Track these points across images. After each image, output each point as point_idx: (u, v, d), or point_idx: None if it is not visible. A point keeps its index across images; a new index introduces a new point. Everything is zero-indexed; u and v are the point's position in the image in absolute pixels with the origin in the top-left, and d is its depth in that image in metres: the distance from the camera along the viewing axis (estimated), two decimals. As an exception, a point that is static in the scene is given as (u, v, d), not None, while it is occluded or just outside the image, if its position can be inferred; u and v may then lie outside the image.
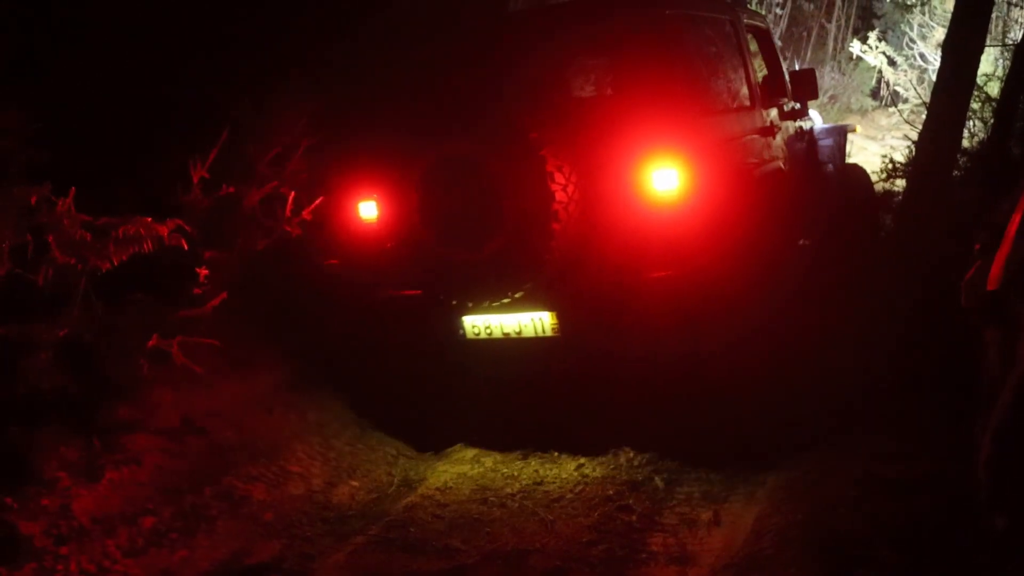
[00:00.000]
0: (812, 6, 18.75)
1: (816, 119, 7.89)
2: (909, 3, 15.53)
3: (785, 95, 6.87)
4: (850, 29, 19.22)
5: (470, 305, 5.26)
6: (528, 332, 5.24)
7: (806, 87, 6.95)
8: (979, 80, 8.98)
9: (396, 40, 7.43)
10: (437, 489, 4.89)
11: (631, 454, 5.05)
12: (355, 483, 5.16)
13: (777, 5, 17.58)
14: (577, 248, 4.99)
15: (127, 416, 5.03)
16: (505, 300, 5.10)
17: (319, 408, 5.79)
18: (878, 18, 18.14)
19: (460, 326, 5.39)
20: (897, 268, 6.39)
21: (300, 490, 5.04)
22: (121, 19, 5.67)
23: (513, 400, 5.54)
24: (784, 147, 6.60)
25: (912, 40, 16.06)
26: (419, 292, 5.44)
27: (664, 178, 4.90)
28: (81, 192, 4.78)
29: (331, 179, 6.18)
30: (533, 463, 5.14)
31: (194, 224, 5.58)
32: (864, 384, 5.13)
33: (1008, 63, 9.38)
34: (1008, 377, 2.71)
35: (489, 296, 5.12)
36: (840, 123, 9.09)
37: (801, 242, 6.40)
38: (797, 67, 13.69)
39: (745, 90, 6.21)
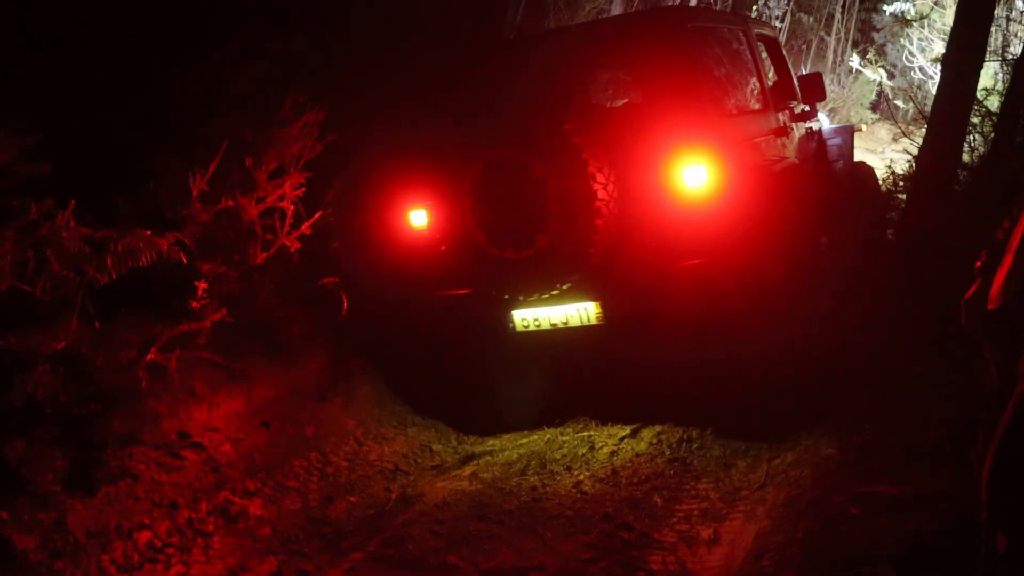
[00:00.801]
0: (811, 19, 18.79)
1: (824, 120, 8.35)
2: (908, 18, 15.56)
3: (795, 98, 7.24)
4: (849, 42, 19.27)
5: (521, 299, 5.64)
6: (574, 322, 5.66)
7: (814, 90, 7.31)
8: (979, 94, 8.98)
9: (399, 53, 7.49)
10: (435, 505, 4.86)
11: (630, 471, 5.04)
12: (353, 499, 5.13)
13: (777, 18, 17.62)
14: (617, 242, 5.40)
15: (124, 430, 5.01)
16: (554, 292, 5.52)
17: (317, 423, 5.78)
18: (877, 31, 18.19)
19: (510, 320, 5.81)
20: (898, 283, 6.38)
21: (297, 505, 5.03)
22: (118, 31, 5.66)
23: (549, 386, 6.03)
24: (796, 146, 7.03)
25: (912, 53, 16.10)
26: (468, 292, 5.81)
27: (695, 174, 5.33)
28: (80, 205, 4.78)
29: (378, 192, 6.50)
30: (532, 479, 5.11)
31: (193, 237, 5.57)
32: (865, 399, 5.12)
33: (1008, 77, 9.37)
34: (1009, 396, 2.69)
35: (539, 290, 5.53)
36: (846, 124, 9.66)
37: (818, 238, 6.78)
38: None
39: (759, 94, 6.67)
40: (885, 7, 17.55)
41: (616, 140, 5.48)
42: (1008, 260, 2.76)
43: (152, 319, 5.40)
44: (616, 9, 11.88)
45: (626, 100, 6.41)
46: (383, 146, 6.78)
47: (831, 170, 7.97)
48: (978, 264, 3.10)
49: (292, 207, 6.06)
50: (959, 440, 3.90)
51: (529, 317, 5.77)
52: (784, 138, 6.77)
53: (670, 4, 12.47)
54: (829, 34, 19.26)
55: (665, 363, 5.65)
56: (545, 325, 5.75)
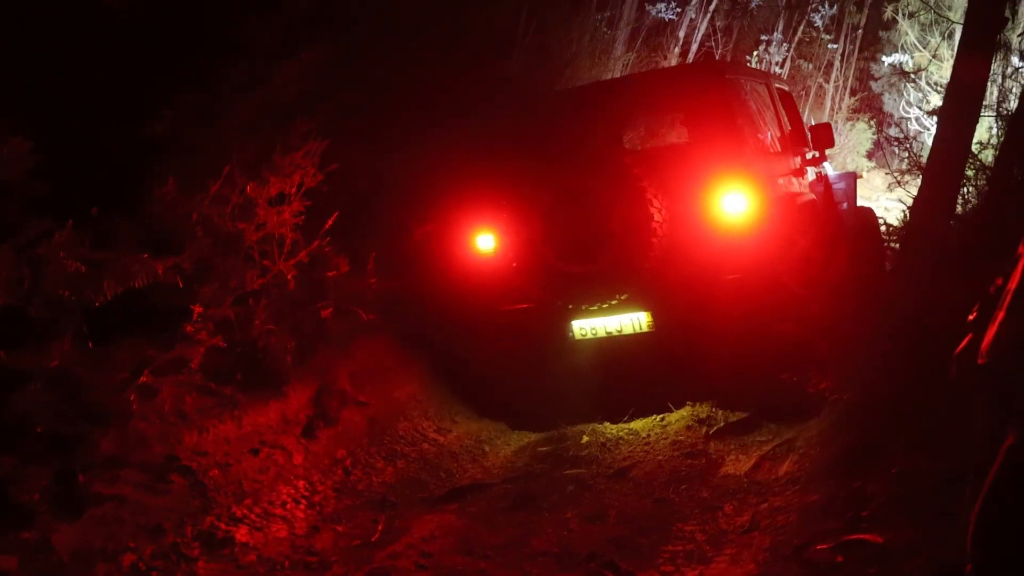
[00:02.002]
0: (811, 66, 18.96)
1: (828, 167, 9.12)
2: (906, 70, 15.73)
3: (807, 145, 8.08)
4: (847, 91, 19.43)
5: (583, 309, 6.45)
6: (628, 330, 6.47)
7: (824, 138, 8.08)
8: (974, 148, 9.06)
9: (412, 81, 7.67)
10: (421, 539, 4.85)
11: (622, 508, 5.04)
12: (339, 528, 5.12)
13: (777, 64, 17.78)
14: (667, 259, 6.24)
15: (113, 451, 4.99)
16: (613, 303, 6.34)
17: (306, 451, 5.77)
18: (876, 80, 18.35)
19: (569, 329, 6.58)
20: (894, 334, 6.41)
21: (284, 533, 5.01)
22: (124, 51, 5.70)
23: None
24: (810, 187, 7.98)
25: (909, 104, 16.24)
26: (529, 306, 6.67)
27: (735, 202, 6.23)
28: (78, 225, 4.79)
29: (447, 220, 7.39)
30: (520, 515, 5.10)
31: (190, 261, 5.59)
32: (854, 444, 5.13)
33: (1003, 132, 9.46)
34: (998, 449, 2.71)
35: (600, 300, 6.36)
36: (849, 171, 10.51)
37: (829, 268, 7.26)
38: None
39: (780, 139, 7.61)
40: (883, 58, 17.74)
41: (668, 172, 6.40)
42: (1000, 316, 2.78)
43: (146, 341, 5.40)
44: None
45: (675, 137, 7.61)
46: (454, 177, 7.61)
47: (836, 208, 8.73)
48: (970, 318, 3.13)
49: (291, 234, 6.09)
50: (947, 491, 3.91)
51: (587, 326, 6.54)
52: (800, 179, 7.70)
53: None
54: (828, 82, 19.44)
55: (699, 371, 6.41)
56: (601, 333, 6.54)
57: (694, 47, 15.23)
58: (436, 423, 6.67)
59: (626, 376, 6.64)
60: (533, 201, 6.46)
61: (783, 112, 8.09)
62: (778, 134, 7.65)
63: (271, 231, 6.04)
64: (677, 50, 14.82)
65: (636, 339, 6.46)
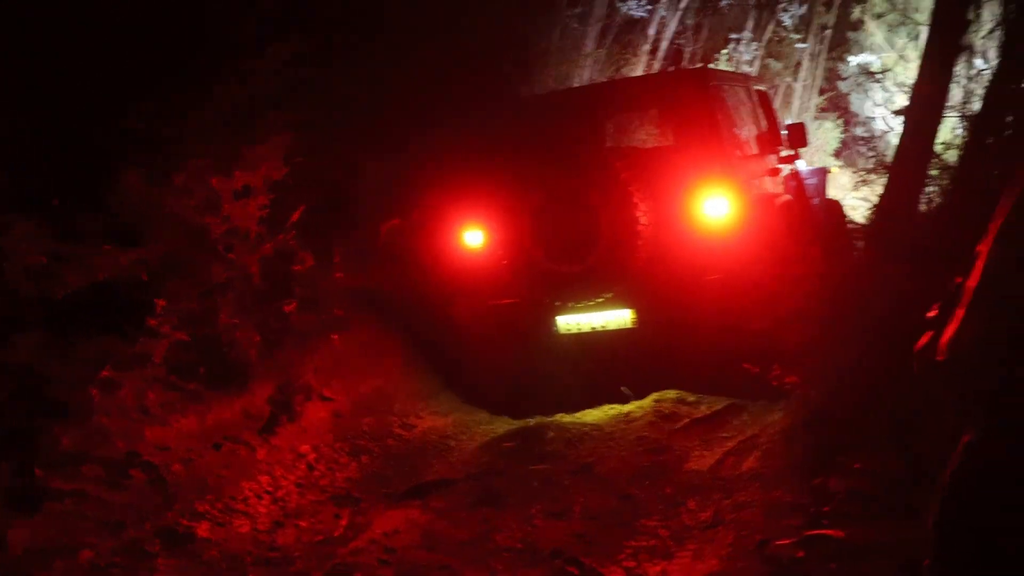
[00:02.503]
0: (781, 65, 19.04)
1: (801, 163, 9.18)
2: (872, 70, 15.83)
3: (782, 143, 8.27)
4: (816, 89, 19.55)
5: (570, 306, 6.68)
6: (612, 326, 6.69)
7: (798, 137, 8.27)
8: (938, 148, 9.13)
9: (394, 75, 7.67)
10: (385, 534, 4.82)
11: (586, 504, 5.05)
12: (302, 524, 5.09)
13: (747, 62, 17.84)
14: (652, 259, 6.44)
15: (73, 446, 4.94)
16: (599, 300, 6.56)
17: (269, 446, 5.73)
18: (844, 80, 18.46)
19: (554, 324, 6.79)
20: (858, 331, 6.45)
21: (246, 529, 4.98)
22: (91, 43, 5.62)
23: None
24: (784, 185, 8.18)
25: (876, 104, 16.35)
26: (516, 301, 6.87)
27: (716, 206, 6.48)
28: (42, 218, 4.73)
29: (436, 216, 7.56)
30: (484, 511, 5.09)
31: (155, 255, 5.53)
32: (816, 442, 5.15)
33: (966, 133, 9.55)
34: (957, 445, 2.73)
35: (587, 298, 6.58)
36: (820, 166, 10.44)
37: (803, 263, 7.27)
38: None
39: (757, 139, 7.84)
40: (851, 58, 17.84)
41: (654, 176, 6.59)
42: (959, 313, 2.80)
43: (109, 335, 5.34)
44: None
45: (659, 142, 7.79)
46: (433, 174, 7.80)
47: (809, 205, 8.85)
48: (931, 315, 3.15)
49: (256, 228, 6.04)
50: (908, 487, 3.94)
51: (572, 321, 6.76)
52: (776, 177, 7.94)
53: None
54: (796, 80, 19.52)
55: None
56: (585, 328, 6.75)
57: (664, 44, 15.25)
58: (401, 419, 6.64)
59: (608, 369, 6.88)
60: (523, 201, 6.64)
61: (761, 112, 8.32)
62: (756, 134, 7.89)
63: (237, 225, 5.99)
64: (647, 47, 14.83)
65: (619, 335, 6.69)
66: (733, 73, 9.31)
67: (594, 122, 8.16)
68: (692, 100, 7.08)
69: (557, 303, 6.69)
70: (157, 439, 5.32)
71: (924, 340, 3.11)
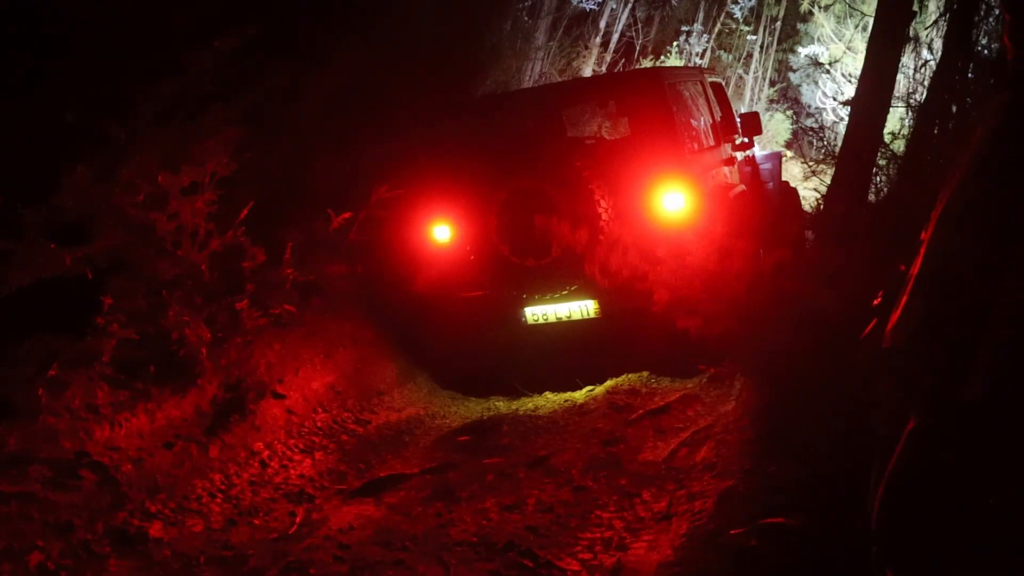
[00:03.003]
0: (731, 57, 19.19)
1: (756, 149, 9.69)
2: (821, 61, 16.02)
3: (737, 132, 8.77)
4: (767, 81, 19.71)
5: (536, 298, 7.08)
6: (576, 316, 7.11)
7: (752, 126, 8.77)
8: (885, 138, 9.25)
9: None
10: (339, 531, 4.80)
11: (541, 497, 5.05)
12: (256, 522, 5.04)
13: (698, 55, 17.95)
14: (613, 252, 6.64)
15: (19, 447, 4.87)
16: (564, 293, 6.97)
17: (222, 444, 5.68)
18: (794, 71, 18.64)
19: (522, 315, 7.20)
20: (806, 320, 6.52)
21: (199, 528, 4.92)
22: (21, 36, 5.52)
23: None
24: (740, 173, 8.69)
25: (825, 94, 16.54)
26: (485, 293, 7.26)
27: (674, 200, 6.83)
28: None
29: (406, 211, 7.84)
30: (438, 505, 5.09)
31: (101, 252, 5.46)
32: (768, 430, 5.20)
33: (913, 122, 9.68)
34: (900, 433, 2.76)
35: (551, 291, 6.98)
36: (775, 151, 11.02)
37: (757, 250, 7.68)
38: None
39: (712, 130, 8.24)
40: (801, 49, 18.02)
41: (613, 173, 6.91)
42: (903, 301, 2.84)
43: (55, 334, 5.27)
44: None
45: (619, 140, 8.00)
46: (410, 173, 8.04)
47: (764, 190, 9.33)
48: (876, 302, 3.19)
49: (204, 224, 5.98)
50: (857, 475, 3.98)
51: (539, 313, 7.18)
52: (731, 167, 8.36)
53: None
54: (747, 72, 19.69)
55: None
56: (552, 319, 7.17)
57: (615, 37, 15.31)
58: (355, 414, 6.61)
59: (573, 356, 7.20)
60: (488, 199, 6.93)
61: (715, 104, 8.65)
62: (711, 125, 8.29)
63: (184, 221, 5.93)
64: (598, 40, 14.88)
65: (583, 324, 7.12)
66: (687, 68, 10.18)
67: (558, 120, 8.72)
68: (648, 100, 7.38)
69: (524, 295, 7.08)
70: (106, 439, 5.25)
71: (869, 328, 3.15)
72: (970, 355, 2.53)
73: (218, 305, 6.12)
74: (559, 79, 13.30)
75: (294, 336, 6.78)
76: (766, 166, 9.67)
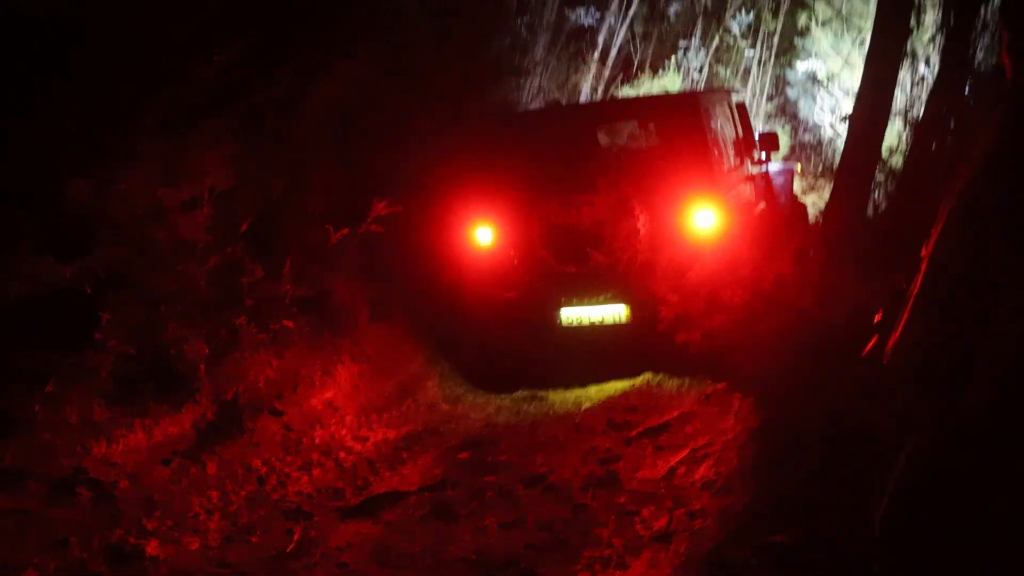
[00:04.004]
0: (729, 72, 19.21)
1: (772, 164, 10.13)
2: (819, 77, 16.03)
3: (756, 148, 9.22)
4: (764, 96, 19.73)
5: (575, 302, 7.60)
6: (609, 320, 7.58)
7: (771, 144, 9.17)
8: (884, 153, 9.25)
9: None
10: (337, 548, 4.78)
11: (540, 514, 5.03)
12: (253, 539, 5.01)
13: (696, 69, 17.98)
14: (647, 264, 7.32)
15: (16, 463, 4.85)
16: (601, 298, 7.51)
17: (219, 461, 5.66)
18: (791, 86, 18.66)
19: (558, 317, 7.69)
20: (808, 336, 6.51)
21: (196, 545, 4.89)
22: (21, 46, 5.49)
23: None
24: (759, 188, 9.12)
25: (822, 109, 16.54)
26: (524, 294, 7.74)
27: (706, 218, 7.36)
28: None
29: (453, 216, 8.22)
30: (437, 523, 5.06)
31: (100, 265, 5.44)
32: (769, 444, 5.19)
33: (911, 138, 9.70)
34: (902, 450, 2.75)
35: (589, 296, 7.54)
36: (788, 164, 11.06)
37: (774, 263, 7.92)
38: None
39: (736, 149, 8.63)
40: (798, 64, 18.03)
41: (651, 190, 7.46)
42: (903, 318, 2.83)
43: (53, 349, 5.25)
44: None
45: (658, 160, 8.30)
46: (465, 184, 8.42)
47: (777, 204, 9.70)
48: (876, 319, 3.18)
49: (204, 238, 5.97)
50: (858, 494, 3.96)
51: (573, 315, 7.66)
52: (752, 184, 8.83)
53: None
54: (745, 86, 19.70)
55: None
56: (586, 322, 7.63)
57: (613, 52, 15.32)
58: (353, 431, 6.58)
59: (604, 356, 7.62)
60: (536, 211, 7.55)
61: (739, 123, 9.09)
62: (735, 143, 8.71)
63: (183, 235, 5.91)
64: (596, 55, 14.90)
65: (615, 328, 7.57)
66: (719, 90, 10.37)
67: (599, 134, 9.42)
68: (687, 123, 7.83)
69: (562, 299, 7.62)
70: (103, 455, 5.23)
71: (870, 345, 3.14)
72: (969, 373, 2.53)
73: (216, 320, 6.10)
74: (557, 94, 13.36)
75: (292, 352, 6.76)
76: (779, 180, 10.02)
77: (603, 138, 9.65)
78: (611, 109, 10.30)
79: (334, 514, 5.32)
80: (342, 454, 6.19)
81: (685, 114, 7.96)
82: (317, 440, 6.30)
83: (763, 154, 9.28)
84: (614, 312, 7.55)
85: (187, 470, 5.48)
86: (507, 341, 7.91)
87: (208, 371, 5.96)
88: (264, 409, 6.15)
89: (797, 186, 11.59)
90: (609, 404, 6.90)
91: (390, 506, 5.34)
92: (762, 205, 8.89)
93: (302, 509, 5.38)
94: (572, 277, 7.50)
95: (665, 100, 10.94)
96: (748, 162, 8.87)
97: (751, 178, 8.83)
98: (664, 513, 4.89)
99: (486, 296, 7.89)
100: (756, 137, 9.32)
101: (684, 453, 5.62)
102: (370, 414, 6.94)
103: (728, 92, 9.73)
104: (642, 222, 7.33)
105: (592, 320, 7.62)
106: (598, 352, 7.63)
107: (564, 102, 13.36)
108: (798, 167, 11.38)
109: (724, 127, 8.49)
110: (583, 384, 7.50)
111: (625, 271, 7.33)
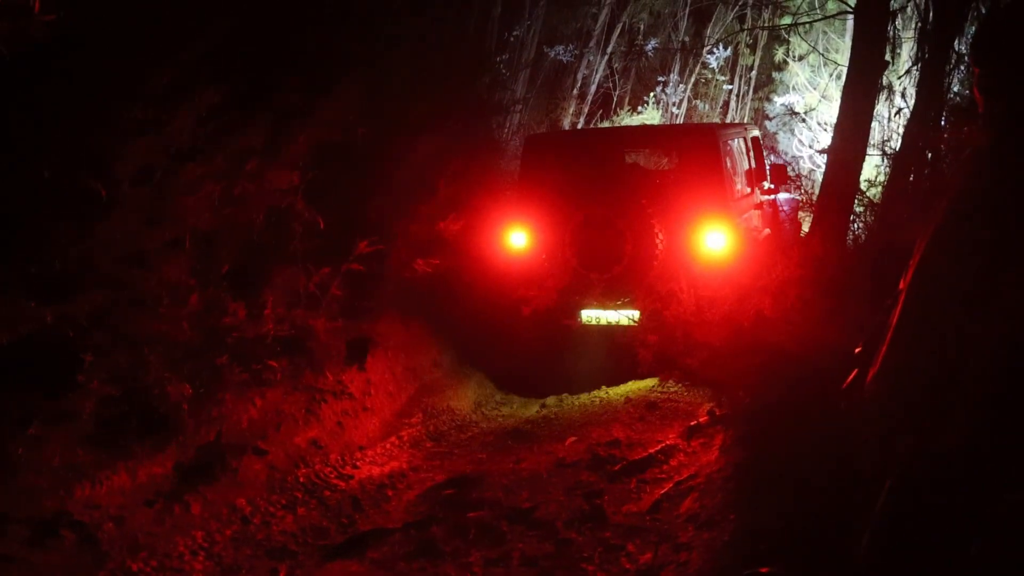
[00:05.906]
0: (707, 107, 19.39)
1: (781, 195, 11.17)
2: (797, 110, 16.20)
3: (766, 179, 10.30)
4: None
5: (595, 304, 8.78)
6: (623, 322, 8.69)
7: (780, 176, 10.41)
8: (862, 185, 9.35)
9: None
10: (322, 588, 4.77)
11: (525, 550, 5.02)
12: (238, 580, 4.99)
13: (674, 104, 18.14)
14: (661, 275, 8.32)
15: (-1, 507, 4.81)
16: (618, 303, 8.68)
17: (203, 501, 5.63)
18: (770, 120, 18.84)
19: (579, 316, 8.88)
20: (788, 368, 6.54)
21: (180, 588, 4.87)
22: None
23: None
24: (766, 216, 10.22)
25: (801, 142, 16.72)
26: (551, 293, 8.79)
27: (717, 240, 8.48)
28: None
29: (490, 224, 9.46)
30: (422, 561, 5.03)
31: (82, 310, 5.43)
32: (752, 476, 5.20)
33: (888, 170, 9.80)
34: (883, 483, 2.77)
35: (609, 299, 8.73)
36: (793, 196, 11.96)
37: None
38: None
39: (748, 178, 9.69)
40: (776, 98, 18.22)
41: (669, 210, 8.54)
42: (882, 351, 2.87)
43: (34, 391, 5.22)
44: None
45: (676, 182, 9.23)
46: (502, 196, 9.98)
47: (782, 231, 10.79)
48: (856, 351, 3.22)
49: (185, 280, 5.96)
50: (840, 527, 3.98)
51: (592, 316, 8.85)
52: (760, 211, 9.86)
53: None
54: (724, 120, 19.85)
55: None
56: (603, 322, 8.80)
57: (592, 88, 15.47)
58: (338, 469, 6.56)
59: (612, 353, 8.57)
60: (566, 221, 8.68)
61: (753, 155, 10.11)
62: (747, 172, 9.75)
63: (165, 277, 5.91)
64: (576, 92, 15.04)
65: (626, 328, 8.55)
66: (735, 125, 11.70)
67: (626, 155, 10.58)
68: (705, 152, 8.91)
69: (584, 300, 8.76)
70: (87, 497, 5.19)
71: (850, 378, 3.18)
72: (949, 404, 2.56)
73: (199, 361, 6.08)
74: (537, 131, 13.52)
75: (275, 391, 6.75)
76: (784, 209, 11.12)
77: (630, 159, 10.80)
78: (639, 134, 11.79)
79: (319, 553, 5.30)
80: (327, 492, 6.18)
81: (704, 143, 9.06)
82: (301, 479, 6.29)
83: (772, 184, 10.25)
84: (628, 316, 8.60)
85: (171, 510, 5.45)
86: (533, 334, 8.85)
87: (191, 411, 5.93)
88: (248, 448, 6.13)
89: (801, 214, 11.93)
90: (593, 441, 6.90)
91: (375, 544, 5.31)
92: (767, 231, 9.89)
93: (287, 548, 5.36)
94: (595, 282, 8.63)
95: (687, 129, 12.43)
96: (758, 191, 9.86)
97: (759, 205, 9.86)
98: (649, 547, 4.90)
99: (516, 292, 8.86)
100: (767, 168, 10.36)
101: (668, 486, 5.64)
102: (354, 452, 6.93)
103: (744, 127, 10.76)
104: (660, 239, 8.39)
105: (608, 321, 8.72)
106: (612, 350, 8.57)
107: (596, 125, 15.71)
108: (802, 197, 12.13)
109: (739, 158, 9.48)
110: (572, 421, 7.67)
111: (642, 282, 8.36)
